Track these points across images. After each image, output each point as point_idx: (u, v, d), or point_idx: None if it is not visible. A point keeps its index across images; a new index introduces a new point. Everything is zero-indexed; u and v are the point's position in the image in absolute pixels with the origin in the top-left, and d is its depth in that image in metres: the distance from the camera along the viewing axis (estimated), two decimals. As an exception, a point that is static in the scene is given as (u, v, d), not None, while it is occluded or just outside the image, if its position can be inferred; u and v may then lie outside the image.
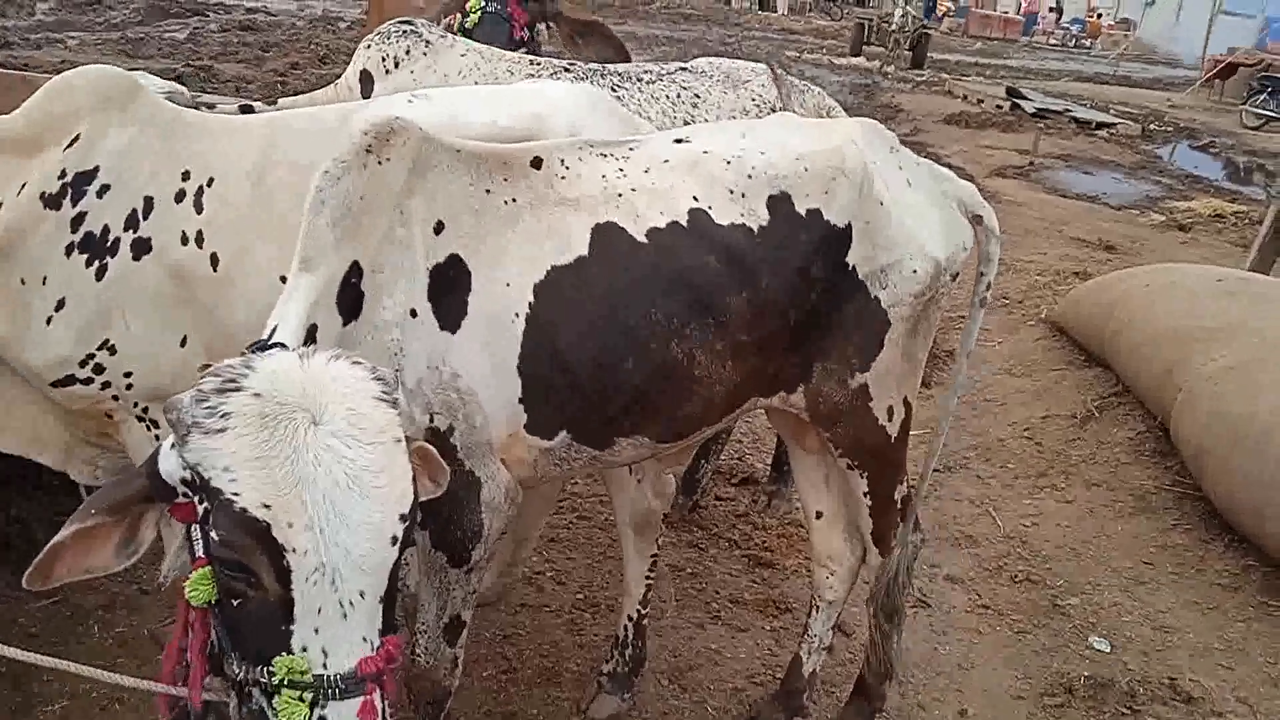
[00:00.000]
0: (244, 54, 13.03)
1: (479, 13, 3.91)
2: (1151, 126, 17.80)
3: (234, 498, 1.44)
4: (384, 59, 3.43)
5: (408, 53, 3.44)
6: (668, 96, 3.55)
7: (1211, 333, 4.91)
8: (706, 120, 3.50)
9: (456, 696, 2.49)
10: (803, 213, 2.36)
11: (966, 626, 3.70)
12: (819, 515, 2.93)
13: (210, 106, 3.00)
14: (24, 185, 2.35)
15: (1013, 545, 4.23)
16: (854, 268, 2.41)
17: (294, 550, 1.44)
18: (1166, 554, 4.18)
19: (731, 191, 2.32)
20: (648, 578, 3.06)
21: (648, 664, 3.18)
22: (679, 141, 2.42)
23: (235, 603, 1.50)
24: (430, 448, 1.79)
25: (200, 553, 1.53)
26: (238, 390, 1.50)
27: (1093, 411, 5.30)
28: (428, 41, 3.48)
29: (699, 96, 3.58)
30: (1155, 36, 39.84)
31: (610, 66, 3.76)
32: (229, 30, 14.84)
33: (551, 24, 4.45)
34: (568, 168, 2.26)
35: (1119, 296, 5.81)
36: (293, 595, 1.45)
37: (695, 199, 2.29)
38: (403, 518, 1.53)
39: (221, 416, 1.47)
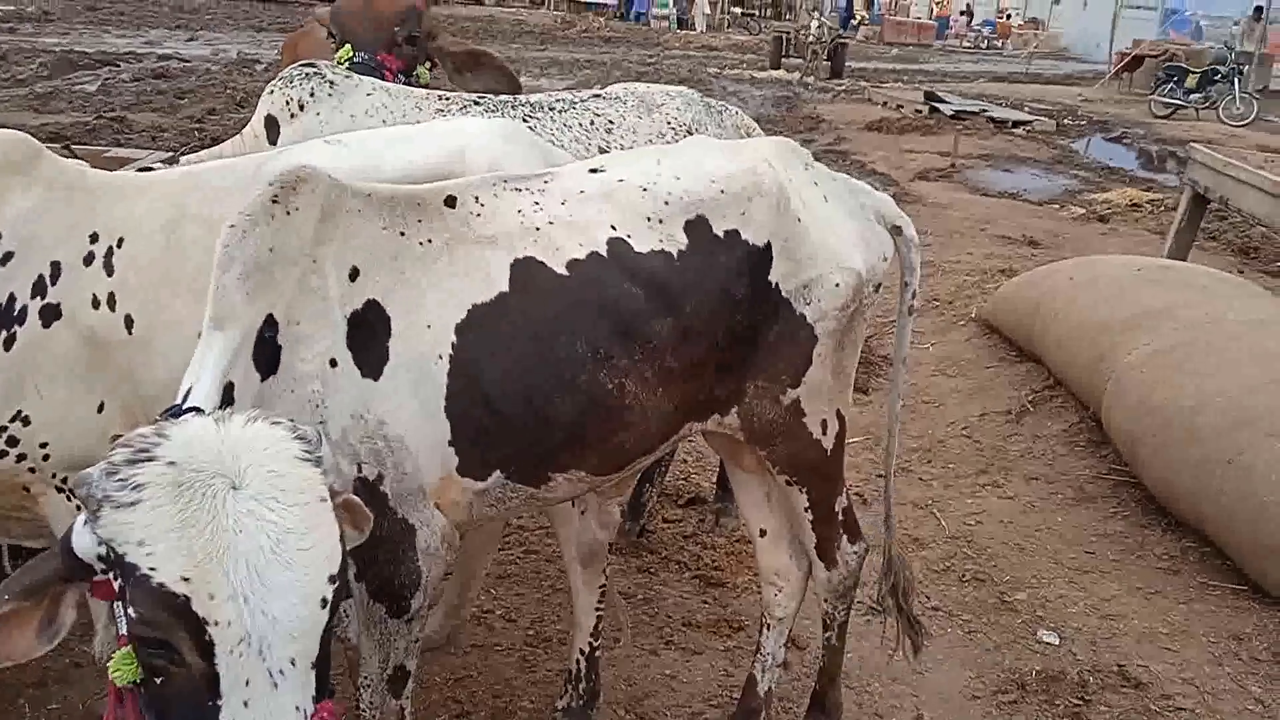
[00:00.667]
0: (158, 102, 12.81)
1: (346, 63, 3.86)
2: (1065, 121, 18.31)
3: (150, 573, 1.39)
4: (288, 103, 3.37)
5: (312, 95, 3.38)
6: (580, 124, 3.54)
7: (1135, 322, 5.04)
8: (622, 146, 3.50)
9: (408, 748, 2.43)
10: (721, 234, 2.37)
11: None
12: (763, 533, 2.93)
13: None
14: (-79, 256, 2.27)
15: (959, 545, 4.28)
16: (777, 285, 2.43)
17: (216, 623, 1.38)
18: (1107, 542, 4.26)
19: (649, 218, 2.32)
20: (597, 608, 3.04)
21: (603, 695, 3.15)
22: (594, 171, 2.42)
23: (159, 681, 1.44)
24: (355, 499, 1.75)
25: (122, 630, 1.48)
26: (150, 460, 1.45)
27: (1027, 406, 5.40)
28: (332, 82, 3.43)
29: (613, 123, 3.58)
30: (1062, 33, 41.01)
31: (521, 98, 3.75)
32: (142, 79, 14.58)
33: (433, 61, 4.42)
34: (482, 204, 2.24)
35: (1045, 291, 5.94)
36: (218, 670, 1.39)
37: (613, 228, 2.28)
38: (331, 579, 1.49)
39: (134, 489, 1.42)
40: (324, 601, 1.47)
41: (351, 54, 3.84)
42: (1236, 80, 19.43)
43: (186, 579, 1.39)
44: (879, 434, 5.28)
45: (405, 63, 4.12)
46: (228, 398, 1.83)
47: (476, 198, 2.25)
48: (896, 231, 2.70)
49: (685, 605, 3.81)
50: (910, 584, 3.01)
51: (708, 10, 36.90)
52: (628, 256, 2.27)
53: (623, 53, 25.27)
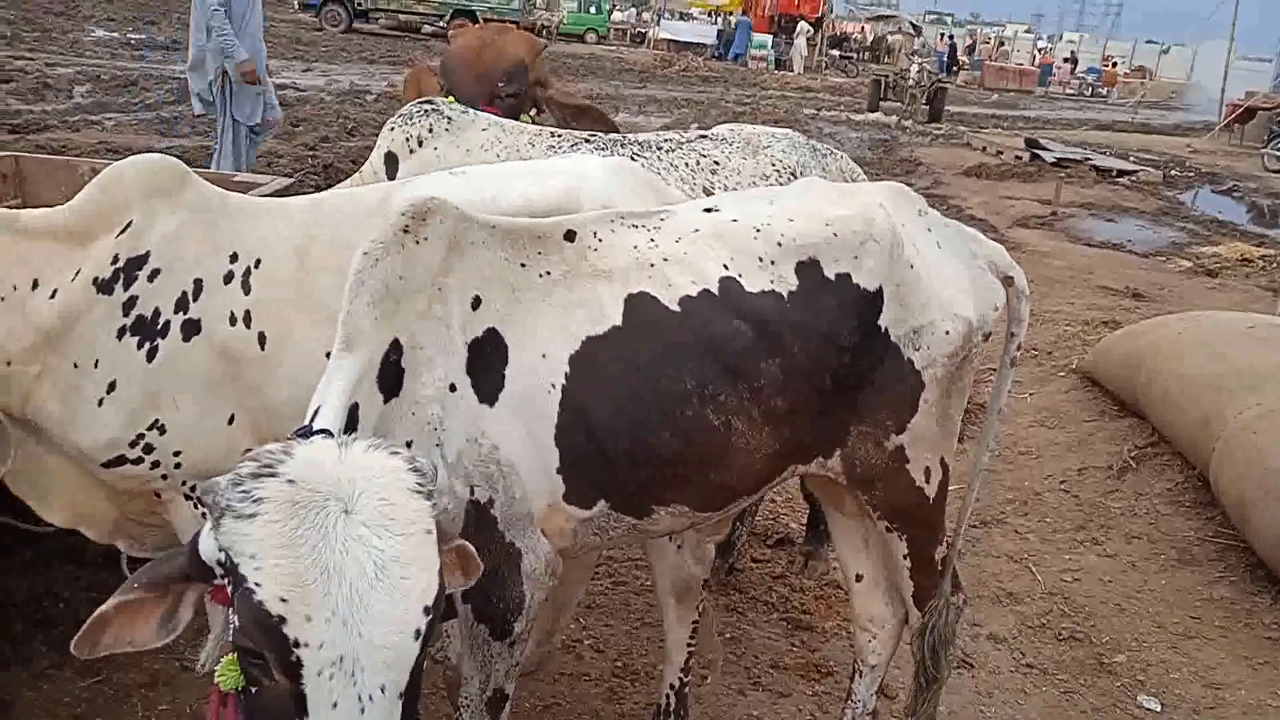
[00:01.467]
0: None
1: None
2: (1172, 172, 17.84)
3: (255, 588, 1.45)
4: (408, 139, 3.52)
5: (430, 130, 3.52)
6: (686, 164, 3.60)
7: (1246, 380, 4.88)
8: (726, 187, 3.55)
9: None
10: (832, 277, 2.39)
11: (1012, 687, 3.65)
12: (859, 578, 2.92)
13: None
14: (78, 272, 2.43)
15: (1055, 601, 4.18)
16: (886, 330, 2.43)
17: (307, 645, 1.43)
18: (1213, 607, 4.12)
19: (761, 259, 2.36)
20: (689, 644, 3.05)
21: (690, 732, 3.15)
22: (708, 211, 2.46)
23: (256, 691, 1.51)
24: (468, 546, 1.78)
25: (229, 637, 1.55)
26: (273, 476, 1.52)
27: (1129, 462, 5.25)
28: (449, 119, 3.56)
29: (718, 163, 3.63)
30: (1172, 83, 40.02)
31: (630, 136, 3.84)
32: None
33: (539, 108, 4.52)
34: (600, 239, 2.31)
35: (1149, 345, 5.78)
36: (304, 689, 1.44)
37: (725, 267, 2.32)
38: (427, 610, 1.52)
39: (254, 501, 1.49)
40: (418, 633, 1.51)
41: (453, 104, 3.97)
42: (1357, 135, 18.74)
43: (284, 599, 1.44)
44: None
45: (505, 113, 4.27)
46: (352, 419, 1.91)
47: (595, 233, 2.31)
48: (1008, 281, 2.69)
49: (773, 647, 3.79)
50: (949, 639, 2.89)
51: (805, 52, 36.97)
52: (738, 295, 2.30)
53: (720, 92, 25.45)
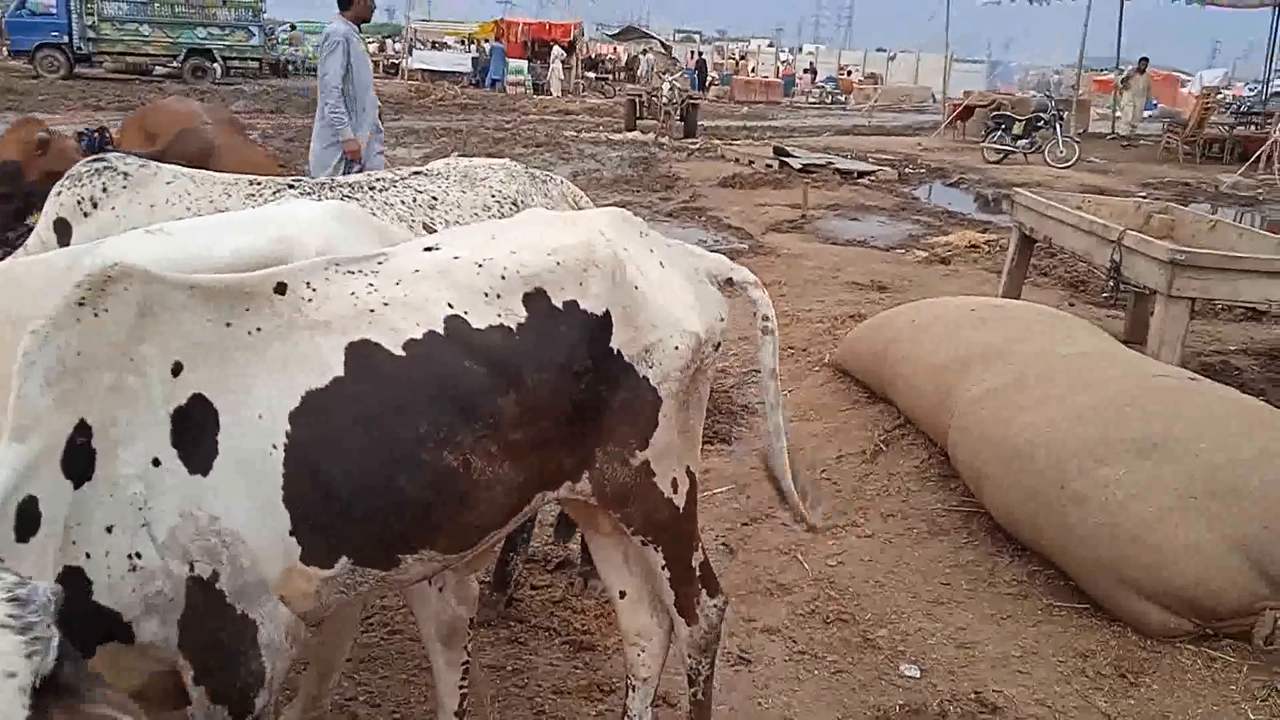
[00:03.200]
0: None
1: None
2: (906, 170, 19.28)
3: None
4: (79, 202, 3.24)
5: (104, 190, 3.27)
6: (403, 202, 3.54)
7: (971, 360, 5.31)
8: (446, 222, 3.53)
9: None
10: (560, 306, 2.41)
11: (787, 676, 3.79)
12: (623, 595, 2.95)
13: None
14: None
15: (822, 587, 4.38)
16: (619, 352, 2.48)
17: None
18: (960, 572, 4.44)
19: (486, 294, 2.35)
20: (461, 687, 3.00)
21: (474, 775, 3.09)
22: (429, 250, 2.43)
23: None
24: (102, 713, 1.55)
25: None
26: None
27: (880, 446, 5.60)
28: (125, 174, 3.32)
29: (435, 198, 3.60)
30: (901, 88, 43.32)
31: (339, 179, 3.74)
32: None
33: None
34: (314, 289, 2.23)
35: (889, 335, 6.21)
36: None
37: (450, 305, 2.30)
38: None
39: None
40: None
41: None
42: (1058, 126, 20.87)
43: None
44: (743, 482, 5.40)
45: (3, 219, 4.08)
46: (30, 514, 1.79)
47: (308, 283, 2.23)
48: (729, 283, 2.80)
49: (556, 672, 3.78)
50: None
51: (562, 76, 37.51)
52: (466, 333, 2.28)
53: (479, 119, 25.41)
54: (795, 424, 6.16)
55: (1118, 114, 26.83)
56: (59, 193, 3.30)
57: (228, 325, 2.09)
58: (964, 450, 4.87)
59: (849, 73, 51.63)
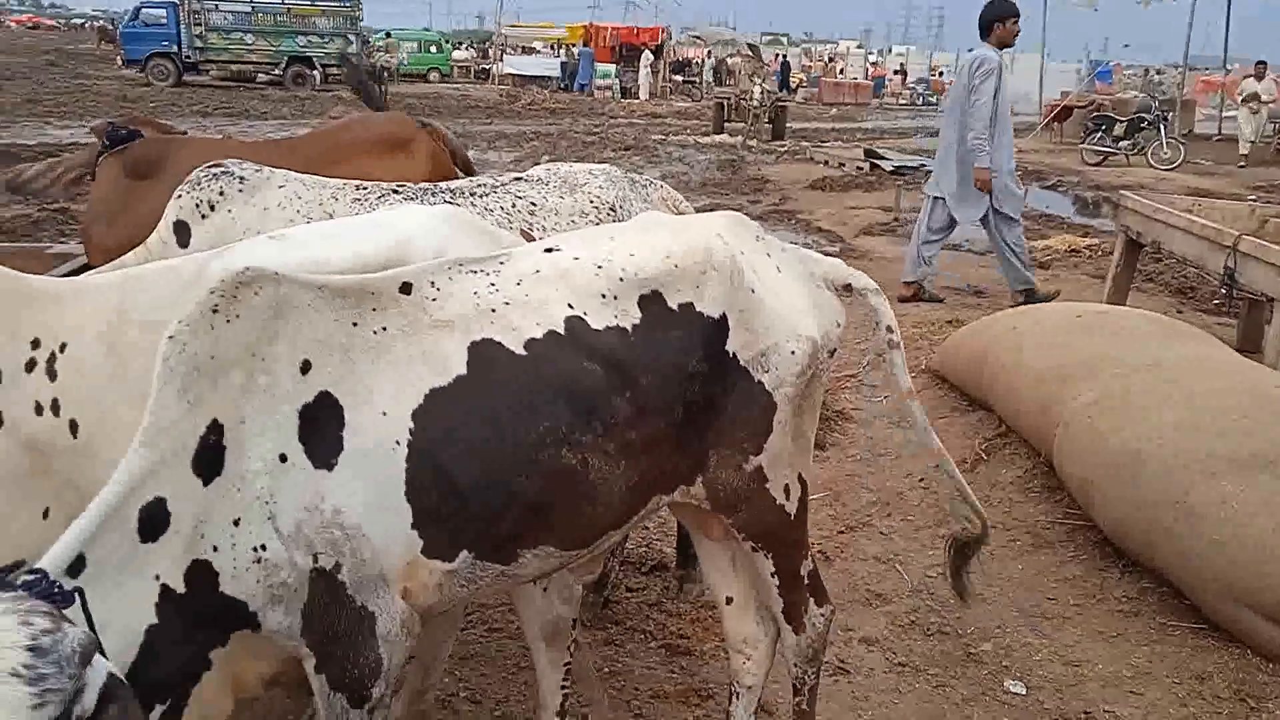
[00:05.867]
0: (103, 191, 12.74)
1: None
2: (1001, 173, 18.80)
3: None
4: (197, 205, 3.36)
5: (221, 194, 3.38)
6: (502, 207, 3.57)
7: (1077, 368, 5.15)
8: (545, 228, 3.54)
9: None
10: (675, 308, 2.41)
11: (886, 688, 3.73)
12: (729, 600, 2.93)
13: None
14: None
15: (922, 598, 4.30)
16: (735, 355, 2.47)
17: None
18: (1067, 587, 4.31)
19: (604, 295, 2.36)
20: (563, 687, 3.01)
21: (574, 775, 3.10)
22: (549, 251, 2.46)
23: None
24: None
25: None
26: None
27: (981, 455, 5.47)
28: (241, 178, 3.43)
29: (535, 204, 3.62)
30: (994, 88, 42.32)
31: (442, 185, 3.77)
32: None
33: None
34: (438, 289, 2.27)
35: (990, 341, 6.06)
36: None
37: (570, 306, 2.32)
38: None
39: None
40: None
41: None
42: (1162, 127, 20.17)
43: None
44: (838, 489, 5.34)
45: None
46: (158, 514, 1.90)
47: (432, 282, 2.27)
48: (847, 289, 2.76)
49: (653, 676, 3.78)
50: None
51: (650, 79, 37.61)
52: (584, 334, 2.30)
53: (569, 123, 25.65)
54: (891, 430, 6.07)
55: (1237, 131, 25.39)
56: (179, 196, 3.41)
57: (354, 325, 2.14)
58: (1070, 461, 4.73)
59: (940, 74, 50.69)
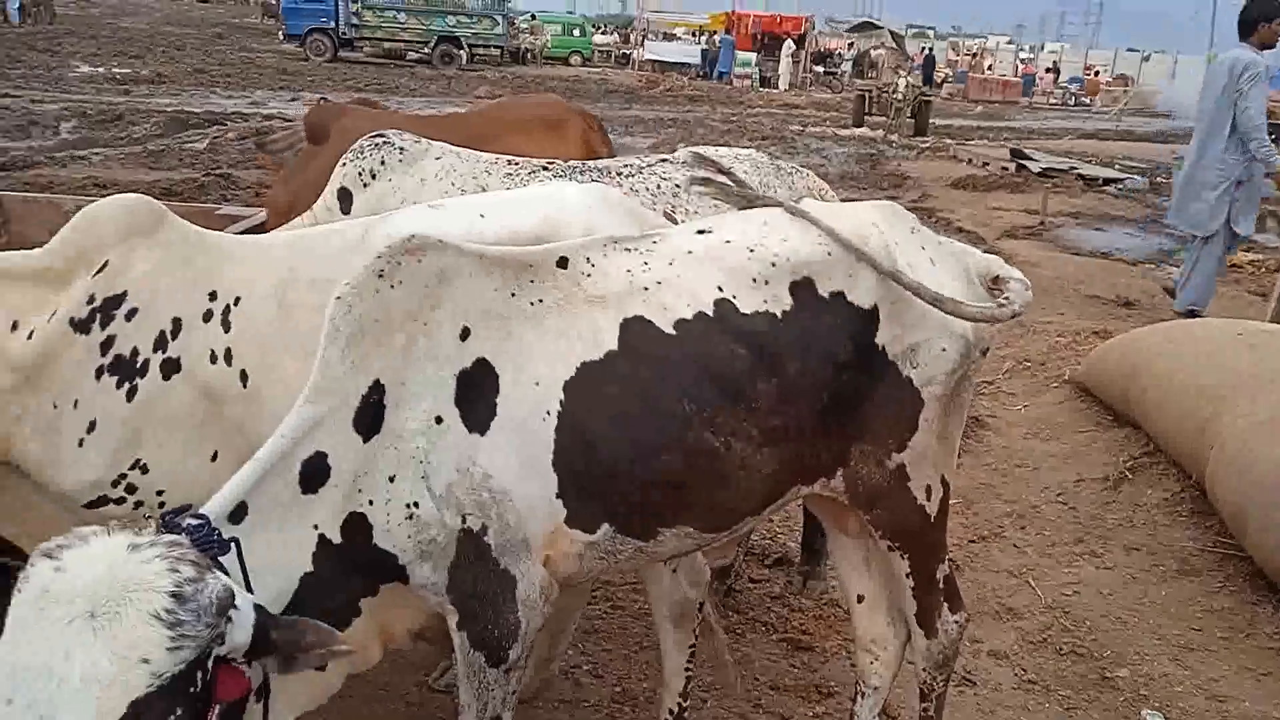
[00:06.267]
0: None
1: None
2: (1159, 179, 17.89)
3: None
4: (360, 174, 3.48)
5: (383, 163, 3.49)
6: (647, 188, 3.57)
7: (1238, 388, 4.86)
8: (688, 211, 3.52)
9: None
10: (826, 296, 2.38)
11: (1014, 704, 3.61)
12: (860, 599, 2.89)
13: None
14: (54, 313, 2.40)
15: (1055, 616, 4.15)
16: (884, 348, 2.42)
17: None
18: (1214, 618, 4.09)
19: (755, 279, 2.34)
20: (687, 669, 3.01)
21: (690, 758, 3.11)
22: (701, 233, 2.45)
23: None
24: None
25: None
26: (50, 558, 1.58)
27: (1125, 473, 5.23)
28: (402, 149, 3.54)
29: (679, 186, 3.61)
30: (1154, 90, 40.29)
31: (589, 163, 3.79)
32: (246, 138, 15.21)
33: None
34: (593, 265, 2.30)
35: (1142, 355, 5.78)
36: None
37: (720, 288, 2.31)
38: None
39: (24, 578, 1.55)
40: None
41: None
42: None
43: None
44: (971, 498, 5.19)
45: None
46: (319, 467, 1.99)
47: (588, 258, 2.31)
48: (995, 280, 2.65)
49: (774, 668, 3.75)
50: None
51: (790, 69, 37.18)
52: (733, 316, 2.29)
53: (706, 111, 25.57)
54: (1030, 442, 5.87)
55: None
56: (344, 164, 3.54)
57: (512, 295, 2.19)
58: (1225, 485, 4.47)
59: (1096, 73, 48.56)
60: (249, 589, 1.84)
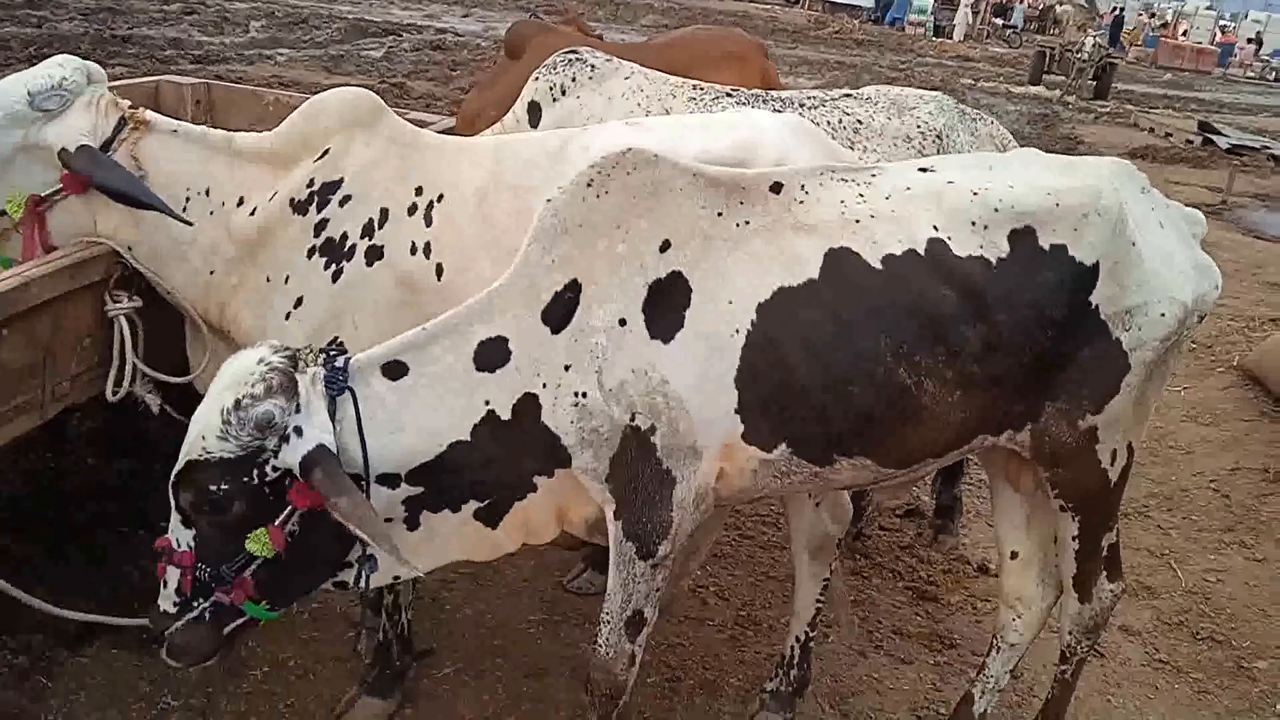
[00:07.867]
0: (434, 72, 13.74)
1: None
2: (1363, 165, 16.56)
3: None
4: (551, 89, 3.55)
5: (573, 79, 3.56)
6: (829, 122, 3.53)
7: None
8: (867, 148, 3.49)
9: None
10: (1046, 247, 2.34)
11: (1142, 680, 3.58)
12: (1014, 555, 2.87)
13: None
14: (276, 193, 2.60)
15: (1195, 600, 4.05)
16: (1097, 307, 2.38)
17: None
18: (1367, 625, 3.92)
19: (974, 223, 2.33)
20: (818, 601, 3.09)
21: (810, 686, 3.21)
22: (923, 170, 2.45)
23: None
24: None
25: None
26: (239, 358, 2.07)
27: (1286, 466, 5.01)
28: (593, 66, 3.60)
29: (861, 122, 3.56)
30: (1369, 71, 36.99)
31: (773, 92, 3.78)
32: (420, 49, 15.63)
33: None
34: (807, 193, 2.33)
35: (1323, 348, 5.47)
36: None
37: (936, 228, 2.31)
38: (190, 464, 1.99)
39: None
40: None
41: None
42: None
43: None
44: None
45: None
46: (498, 349, 2.15)
47: (803, 186, 2.34)
48: None
49: (896, 614, 3.81)
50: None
51: (968, 19, 35.61)
52: (945, 258, 2.29)
53: (874, 57, 24.82)
54: (1186, 425, 5.66)
55: None
56: (536, 79, 3.65)
57: (719, 215, 2.25)
58: (1400, 492, 4.25)
59: (1304, 48, 44.76)
60: (361, 435, 2.07)
